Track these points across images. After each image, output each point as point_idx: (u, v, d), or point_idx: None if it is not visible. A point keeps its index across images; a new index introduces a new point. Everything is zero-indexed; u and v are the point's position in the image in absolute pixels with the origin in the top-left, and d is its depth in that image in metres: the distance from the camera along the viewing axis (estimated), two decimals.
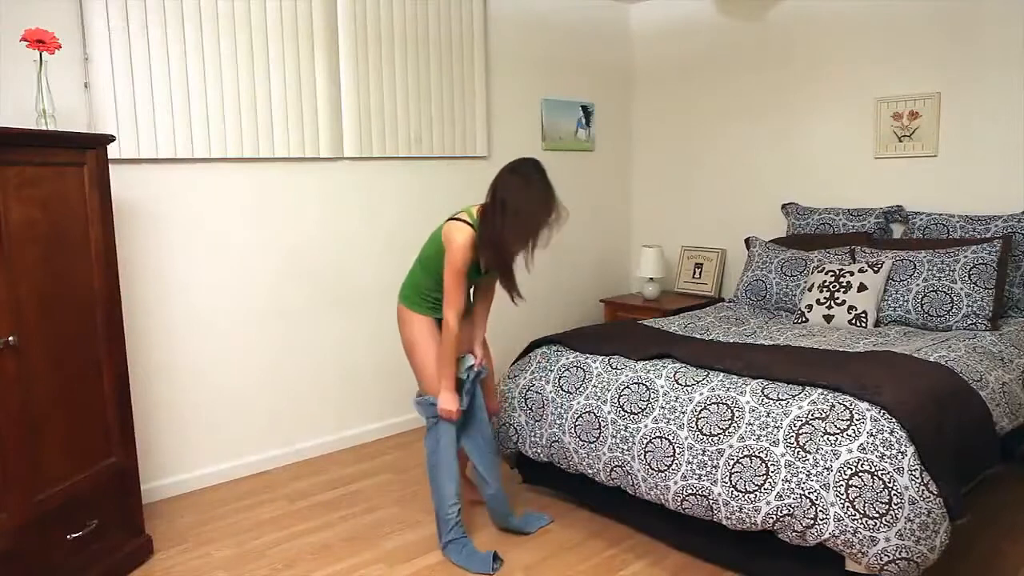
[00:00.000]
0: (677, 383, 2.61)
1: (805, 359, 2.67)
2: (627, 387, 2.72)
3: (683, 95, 4.85)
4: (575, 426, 2.79)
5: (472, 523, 2.90)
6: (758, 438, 2.31)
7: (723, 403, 2.45)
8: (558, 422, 2.86)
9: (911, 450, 2.09)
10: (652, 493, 2.53)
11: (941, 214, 3.67)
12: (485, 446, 2.75)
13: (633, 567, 2.59)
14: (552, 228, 2.55)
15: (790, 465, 2.22)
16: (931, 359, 2.67)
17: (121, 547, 2.61)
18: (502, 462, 2.91)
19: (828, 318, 3.45)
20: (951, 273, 3.27)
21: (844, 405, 2.24)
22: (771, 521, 2.22)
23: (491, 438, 2.78)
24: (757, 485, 2.25)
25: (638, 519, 2.79)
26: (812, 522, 2.14)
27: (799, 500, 2.16)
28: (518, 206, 2.47)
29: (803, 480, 2.17)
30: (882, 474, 2.06)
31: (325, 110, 3.57)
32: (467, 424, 2.71)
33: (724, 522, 2.34)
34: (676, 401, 2.56)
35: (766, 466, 2.25)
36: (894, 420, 2.15)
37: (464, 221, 2.55)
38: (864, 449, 2.11)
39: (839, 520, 2.09)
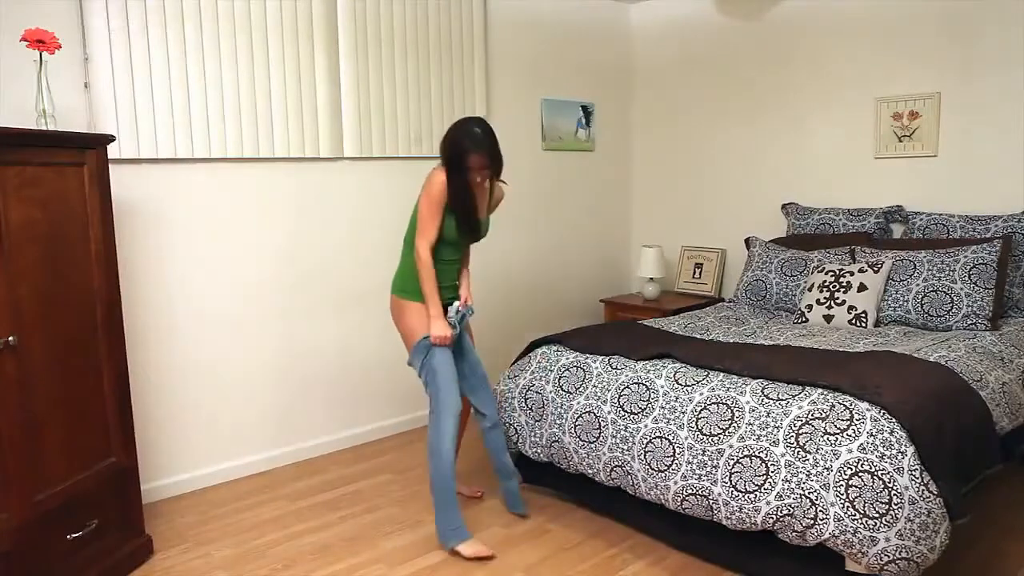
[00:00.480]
0: (677, 383, 2.61)
1: (805, 359, 2.67)
2: (627, 387, 2.72)
3: (683, 95, 4.85)
4: (575, 426, 2.79)
5: (471, 525, 2.90)
6: (758, 438, 2.31)
7: (723, 403, 2.45)
8: (558, 422, 2.86)
9: (911, 450, 2.09)
10: (652, 493, 2.54)
11: (941, 214, 3.67)
12: (478, 383, 2.89)
13: (633, 567, 2.58)
14: (483, 165, 2.66)
15: (790, 465, 2.22)
16: (931, 359, 2.67)
17: (121, 547, 2.60)
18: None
19: (828, 318, 3.45)
20: (951, 273, 3.27)
21: (844, 405, 2.24)
22: (771, 521, 2.22)
23: (483, 374, 2.90)
24: (757, 485, 2.25)
25: (638, 519, 2.79)
26: (812, 522, 2.14)
27: (799, 500, 2.16)
28: (447, 139, 2.70)
29: (803, 480, 2.17)
30: (882, 474, 2.06)
31: (325, 110, 3.57)
32: (458, 365, 2.81)
33: (724, 522, 2.34)
34: (676, 401, 2.56)
35: (766, 466, 2.25)
36: (894, 420, 2.15)
37: None
38: (864, 449, 2.11)
39: (839, 520, 2.09)
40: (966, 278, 3.24)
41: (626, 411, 2.66)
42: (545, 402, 2.93)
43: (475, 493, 3.13)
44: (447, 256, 2.79)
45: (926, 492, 2.05)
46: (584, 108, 4.82)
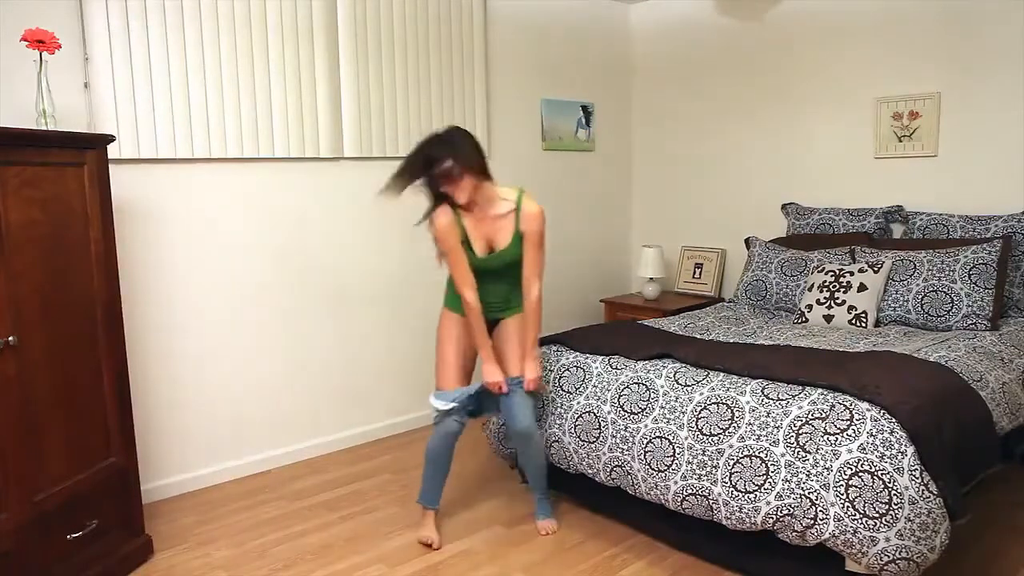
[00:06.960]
0: (677, 383, 2.61)
1: (805, 359, 2.67)
2: (627, 387, 2.72)
3: (683, 95, 4.85)
4: (575, 426, 2.79)
5: (473, 525, 2.89)
6: (758, 438, 2.31)
7: (723, 403, 2.45)
8: (558, 422, 2.86)
9: (911, 450, 2.09)
10: (652, 493, 2.53)
11: (941, 214, 3.66)
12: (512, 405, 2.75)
13: (633, 567, 2.59)
14: (446, 172, 2.55)
15: (790, 465, 2.22)
16: (931, 359, 2.67)
17: (121, 547, 2.61)
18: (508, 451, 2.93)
19: (828, 318, 3.45)
20: (951, 273, 3.27)
21: (844, 405, 2.24)
22: (771, 521, 2.22)
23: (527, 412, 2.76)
24: (757, 485, 2.25)
25: (638, 519, 2.79)
26: (812, 522, 2.14)
27: (799, 500, 2.16)
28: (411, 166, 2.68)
29: (803, 480, 2.17)
30: (882, 474, 2.06)
31: (325, 110, 3.57)
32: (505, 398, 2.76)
33: (724, 522, 2.34)
34: (676, 401, 2.56)
35: (766, 466, 2.25)
36: (894, 420, 2.15)
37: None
38: (864, 449, 2.11)
39: (839, 520, 2.09)
40: (966, 278, 3.24)
41: (626, 411, 2.66)
42: (545, 402, 2.93)
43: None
44: (484, 281, 2.70)
45: (926, 492, 2.05)
46: (584, 108, 4.82)
